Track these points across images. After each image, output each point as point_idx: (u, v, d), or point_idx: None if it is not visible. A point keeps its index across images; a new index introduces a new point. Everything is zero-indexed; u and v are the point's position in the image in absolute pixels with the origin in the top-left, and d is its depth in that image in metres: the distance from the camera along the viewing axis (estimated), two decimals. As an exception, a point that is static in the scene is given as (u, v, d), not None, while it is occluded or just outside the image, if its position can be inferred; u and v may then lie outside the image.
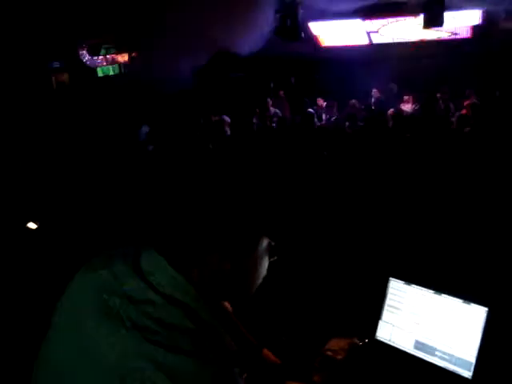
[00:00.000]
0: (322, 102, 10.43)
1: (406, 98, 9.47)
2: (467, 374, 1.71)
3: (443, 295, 1.81)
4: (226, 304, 1.53)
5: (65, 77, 12.74)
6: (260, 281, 1.09)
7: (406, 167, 3.50)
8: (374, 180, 3.29)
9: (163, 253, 0.98)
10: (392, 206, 2.89)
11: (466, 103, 7.63)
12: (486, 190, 2.97)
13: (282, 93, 11.01)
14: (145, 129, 7.60)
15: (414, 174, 3.33)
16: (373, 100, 10.33)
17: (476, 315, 1.72)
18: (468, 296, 1.75)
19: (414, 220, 2.69)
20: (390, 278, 1.95)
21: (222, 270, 0.99)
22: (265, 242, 1.05)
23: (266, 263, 1.09)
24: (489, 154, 3.85)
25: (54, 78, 12.62)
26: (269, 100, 10.21)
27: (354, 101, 9.62)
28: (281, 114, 9.67)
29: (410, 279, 1.90)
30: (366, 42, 11.14)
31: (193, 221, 0.97)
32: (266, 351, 1.76)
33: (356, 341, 2.00)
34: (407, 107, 9.20)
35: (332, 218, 2.79)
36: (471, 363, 1.70)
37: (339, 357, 1.91)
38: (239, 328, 1.65)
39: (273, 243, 1.06)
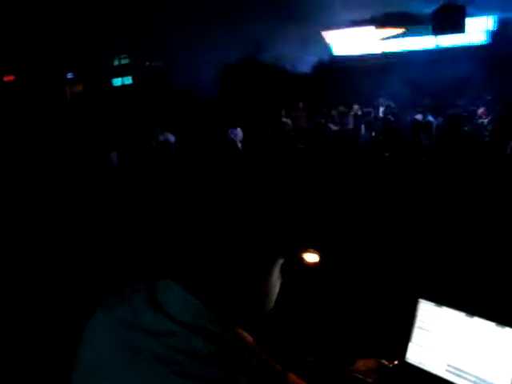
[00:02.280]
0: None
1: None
2: (502, 399, 1.67)
3: (475, 318, 1.78)
4: (246, 334, 1.51)
5: (79, 87, 12.87)
6: (273, 301, 1.08)
7: (438, 182, 3.45)
8: (404, 197, 3.25)
9: (178, 280, 0.97)
10: (423, 225, 2.85)
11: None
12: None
13: (301, 104, 11.00)
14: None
15: (446, 190, 3.28)
16: (381, 109, 10.29)
17: (511, 339, 1.69)
18: (502, 319, 1.72)
19: (446, 240, 2.65)
20: (420, 300, 1.93)
21: (242, 291, 0.98)
22: (280, 262, 1.04)
23: (278, 283, 1.08)
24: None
25: (68, 88, 12.77)
26: (282, 111, 10.27)
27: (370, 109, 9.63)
28: (291, 124, 9.62)
29: (440, 301, 1.88)
30: (378, 50, 11.15)
31: (207, 242, 0.95)
32: (291, 375, 1.73)
33: (385, 362, 1.98)
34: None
35: (360, 237, 2.77)
36: (506, 389, 1.67)
37: (370, 380, 1.90)
38: (261, 357, 1.63)
39: (283, 261, 1.05)
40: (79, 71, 12.29)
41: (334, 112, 10.40)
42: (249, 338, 1.51)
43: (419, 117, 8.95)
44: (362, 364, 1.99)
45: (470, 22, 8.93)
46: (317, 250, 2.16)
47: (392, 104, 10.26)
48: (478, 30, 9.83)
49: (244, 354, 0.94)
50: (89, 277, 3.72)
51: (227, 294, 0.97)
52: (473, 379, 1.74)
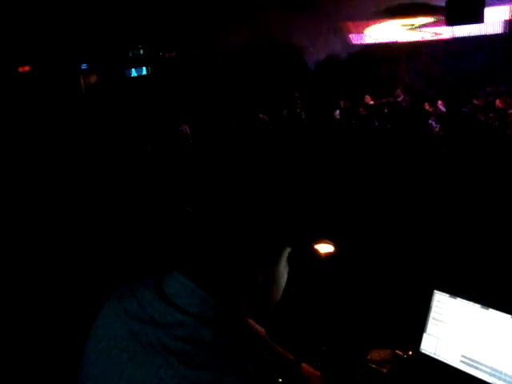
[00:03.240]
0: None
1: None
2: (517, 390, 1.68)
3: (491, 309, 1.78)
4: (258, 326, 1.51)
5: (93, 78, 12.93)
6: (281, 292, 1.08)
7: (454, 173, 3.42)
8: (419, 188, 3.24)
9: (186, 273, 0.97)
10: (439, 216, 2.85)
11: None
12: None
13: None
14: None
15: (462, 181, 3.25)
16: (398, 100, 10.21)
17: (526, 331, 1.69)
18: (517, 311, 1.72)
19: (461, 231, 2.65)
20: (435, 291, 1.93)
21: (249, 282, 0.98)
22: (287, 251, 1.04)
23: (286, 273, 1.08)
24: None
25: (82, 79, 12.83)
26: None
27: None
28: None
29: (455, 292, 1.88)
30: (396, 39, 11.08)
31: (213, 233, 0.95)
32: (304, 366, 1.73)
33: (399, 352, 2.00)
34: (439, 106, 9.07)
35: (376, 228, 2.77)
36: (521, 380, 1.67)
37: (384, 370, 1.91)
38: (274, 347, 1.64)
39: (291, 251, 1.05)
40: (93, 62, 12.31)
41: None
42: (260, 329, 1.53)
43: (427, 106, 8.89)
44: (376, 354, 2.01)
45: (489, 12, 8.78)
46: (332, 240, 2.17)
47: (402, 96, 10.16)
48: (496, 20, 9.65)
49: (253, 344, 0.96)
50: (97, 269, 3.75)
51: (235, 285, 0.97)
52: (488, 370, 1.74)
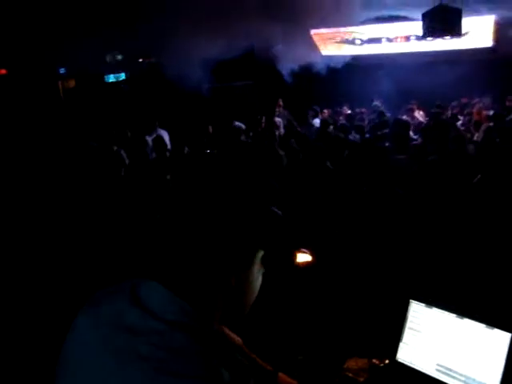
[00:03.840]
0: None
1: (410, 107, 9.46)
2: (490, 399, 1.71)
3: (465, 319, 1.81)
4: (234, 335, 1.51)
5: (72, 83, 12.82)
6: (256, 295, 1.09)
7: (428, 183, 3.47)
8: (393, 196, 3.28)
9: (161, 280, 0.97)
10: (414, 226, 2.88)
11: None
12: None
13: (280, 101, 10.91)
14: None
15: (437, 191, 3.30)
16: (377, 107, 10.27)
17: (499, 340, 1.72)
18: (491, 321, 1.75)
19: (436, 242, 2.69)
20: (411, 301, 1.96)
21: (224, 287, 0.99)
22: (260, 254, 1.05)
23: (260, 277, 1.09)
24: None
25: (60, 84, 12.71)
26: (277, 108, 10.25)
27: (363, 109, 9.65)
28: (280, 124, 9.57)
29: (431, 302, 1.90)
30: (365, 51, 11.14)
31: (186, 241, 0.96)
32: (281, 375, 1.73)
33: (376, 361, 2.01)
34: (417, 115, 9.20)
35: (353, 238, 2.79)
36: (494, 389, 1.70)
37: (361, 379, 1.92)
38: (251, 357, 1.64)
39: (264, 254, 1.06)
40: (72, 67, 12.21)
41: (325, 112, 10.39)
42: (236, 338, 1.52)
43: (405, 117, 9.00)
44: (353, 363, 2.02)
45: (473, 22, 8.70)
46: (310, 250, 2.18)
47: (379, 104, 10.23)
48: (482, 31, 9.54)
49: (229, 350, 0.96)
50: (72, 276, 3.69)
51: (209, 290, 0.98)
52: (462, 379, 1.77)
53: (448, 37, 8.03)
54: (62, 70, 12.59)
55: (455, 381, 1.79)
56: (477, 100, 9.54)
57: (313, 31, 10.77)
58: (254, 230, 1.00)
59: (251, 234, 1.00)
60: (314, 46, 11.09)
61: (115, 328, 0.93)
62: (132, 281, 1.02)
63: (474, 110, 8.53)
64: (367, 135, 7.27)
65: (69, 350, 0.99)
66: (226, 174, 1.05)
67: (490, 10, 8.75)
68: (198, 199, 0.99)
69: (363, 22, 10.00)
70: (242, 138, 7.52)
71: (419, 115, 9.28)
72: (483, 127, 6.88)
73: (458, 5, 7.73)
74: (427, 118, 8.84)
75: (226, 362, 0.90)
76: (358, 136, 7.25)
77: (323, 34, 11.04)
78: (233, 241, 0.97)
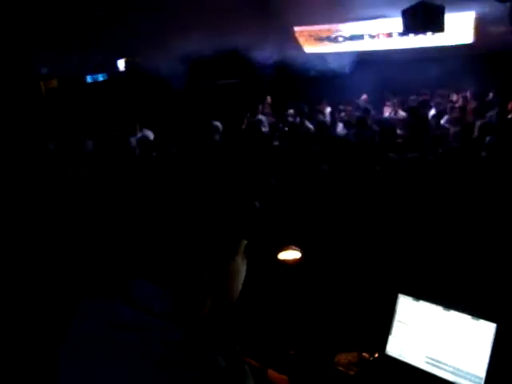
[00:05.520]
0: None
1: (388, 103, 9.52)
2: (477, 388, 1.75)
3: (452, 311, 1.85)
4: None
5: (54, 83, 12.69)
6: (241, 286, 1.12)
7: (416, 178, 3.51)
8: (381, 191, 3.31)
9: (149, 277, 0.99)
10: (401, 222, 2.92)
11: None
12: (499, 205, 2.98)
13: (269, 98, 10.90)
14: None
15: (425, 185, 3.34)
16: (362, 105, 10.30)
17: (485, 331, 1.77)
18: (477, 312, 1.79)
19: (424, 236, 2.73)
20: (399, 294, 2.00)
21: (210, 280, 1.01)
22: (243, 244, 1.07)
23: (245, 266, 1.11)
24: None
25: (42, 84, 12.58)
26: (259, 106, 10.23)
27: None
28: (265, 121, 9.55)
29: (418, 295, 1.95)
30: (349, 48, 11.17)
31: (169, 235, 0.99)
32: (270, 372, 1.76)
33: (365, 355, 2.05)
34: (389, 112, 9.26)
35: (342, 234, 2.82)
36: (481, 378, 1.74)
37: (351, 372, 1.96)
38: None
39: (248, 243, 1.08)
40: (54, 67, 12.08)
41: (305, 108, 10.37)
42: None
43: (387, 113, 9.05)
44: (343, 357, 2.06)
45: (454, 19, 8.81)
46: (299, 246, 2.21)
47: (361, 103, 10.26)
48: (462, 28, 9.68)
49: (222, 338, 0.98)
50: (57, 281, 3.65)
51: (196, 282, 1.00)
52: (450, 369, 1.82)
53: (430, 33, 8.07)
54: (43, 70, 12.47)
55: (444, 372, 1.83)
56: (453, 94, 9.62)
57: (296, 28, 10.77)
58: (233, 221, 1.02)
59: (230, 225, 1.02)
60: (297, 43, 11.09)
61: (110, 327, 0.94)
62: (121, 280, 1.04)
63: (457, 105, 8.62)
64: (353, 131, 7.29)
65: (65, 352, 1.00)
66: (202, 170, 1.07)
67: (469, 7, 8.81)
68: (177, 194, 1.01)
69: (345, 20, 10.02)
70: (217, 137, 7.47)
71: (399, 111, 9.34)
72: (479, 123, 6.89)
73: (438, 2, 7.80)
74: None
75: (220, 350, 0.93)
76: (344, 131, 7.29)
77: (306, 31, 11.03)
78: (215, 231, 0.99)
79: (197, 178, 1.04)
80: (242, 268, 1.10)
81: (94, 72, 12.84)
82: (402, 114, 9.08)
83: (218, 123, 8.07)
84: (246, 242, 1.08)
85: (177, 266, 0.99)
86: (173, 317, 0.94)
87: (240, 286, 1.11)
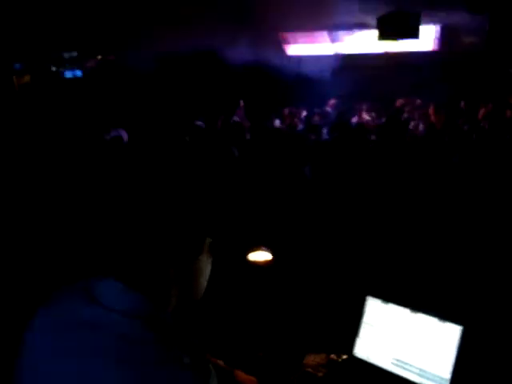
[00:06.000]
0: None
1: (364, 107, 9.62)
2: (443, 390, 1.77)
3: (419, 313, 1.87)
4: None
5: (26, 78, 12.49)
6: (206, 283, 1.11)
7: (383, 181, 3.55)
8: (349, 193, 3.34)
9: (113, 274, 0.99)
10: (370, 224, 2.95)
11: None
12: (463, 208, 3.04)
13: (241, 102, 10.87)
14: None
15: (391, 188, 3.38)
16: (329, 110, 10.36)
17: (451, 333, 1.79)
18: (443, 315, 1.82)
19: (392, 239, 2.76)
20: (368, 297, 2.01)
21: (174, 277, 1.01)
22: (208, 242, 1.07)
23: (210, 264, 1.11)
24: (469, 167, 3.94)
25: (15, 79, 12.36)
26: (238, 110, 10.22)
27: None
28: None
29: (387, 298, 1.96)
30: (331, 52, 11.33)
31: (133, 234, 0.98)
32: (238, 373, 1.75)
33: (334, 357, 2.06)
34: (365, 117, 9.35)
35: (311, 236, 2.84)
36: (447, 379, 1.77)
37: (320, 374, 1.96)
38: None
39: (212, 241, 1.08)
40: (27, 62, 11.90)
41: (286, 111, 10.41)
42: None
43: (355, 119, 9.13)
44: (311, 359, 2.06)
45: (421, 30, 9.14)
46: (268, 248, 2.21)
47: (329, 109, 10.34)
48: (428, 37, 10.03)
49: (186, 335, 0.98)
50: (23, 278, 3.58)
51: (160, 279, 1.00)
52: (417, 371, 1.84)
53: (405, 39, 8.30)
54: (17, 66, 12.28)
55: (410, 373, 1.85)
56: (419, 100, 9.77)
57: (282, 33, 10.90)
58: (196, 220, 1.02)
59: (194, 224, 1.02)
60: (279, 47, 11.19)
61: (74, 326, 0.93)
62: (85, 279, 1.03)
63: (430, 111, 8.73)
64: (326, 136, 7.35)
65: (28, 353, 0.98)
66: (166, 169, 1.07)
67: (433, 20, 9.10)
68: (140, 192, 1.00)
69: (329, 28, 10.16)
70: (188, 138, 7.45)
71: (369, 116, 9.44)
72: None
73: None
74: (378, 120, 9.00)
75: (185, 347, 0.93)
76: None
77: (289, 34, 11.18)
78: (177, 231, 0.99)
79: (159, 177, 1.04)
80: (206, 267, 1.10)
81: (68, 68, 12.69)
82: (368, 118, 9.19)
83: (200, 123, 8.06)
84: (210, 240, 1.07)
85: (140, 263, 0.98)
86: (135, 314, 0.93)
87: (205, 285, 1.11)
